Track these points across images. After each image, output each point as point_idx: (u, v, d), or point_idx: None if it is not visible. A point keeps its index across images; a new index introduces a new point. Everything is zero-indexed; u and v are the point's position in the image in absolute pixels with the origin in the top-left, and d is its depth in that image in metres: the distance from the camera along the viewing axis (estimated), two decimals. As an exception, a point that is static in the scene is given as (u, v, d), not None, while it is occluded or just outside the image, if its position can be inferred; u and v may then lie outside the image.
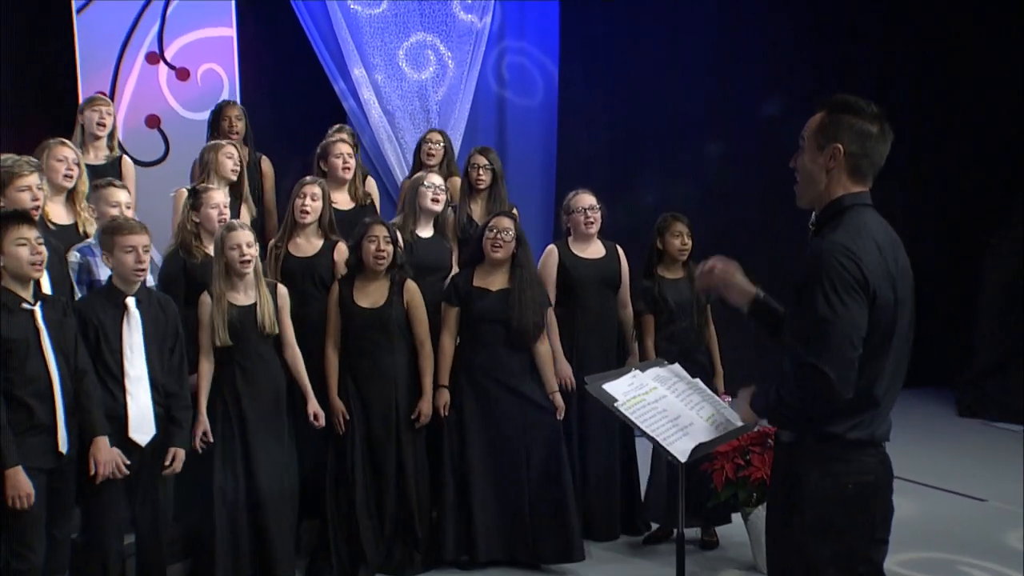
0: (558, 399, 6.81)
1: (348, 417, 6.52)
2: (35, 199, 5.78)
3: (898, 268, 3.53)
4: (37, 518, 5.03)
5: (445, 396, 6.67)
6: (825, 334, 3.37)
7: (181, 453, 5.76)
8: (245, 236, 6.09)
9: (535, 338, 6.78)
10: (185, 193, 7.04)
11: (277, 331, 6.23)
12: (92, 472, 5.23)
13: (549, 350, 6.87)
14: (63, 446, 5.09)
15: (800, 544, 3.52)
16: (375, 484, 6.61)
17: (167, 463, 5.72)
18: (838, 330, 3.36)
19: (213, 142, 7.49)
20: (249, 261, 6.09)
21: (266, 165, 8.15)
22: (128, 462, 5.42)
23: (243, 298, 6.14)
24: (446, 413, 6.67)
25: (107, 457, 5.25)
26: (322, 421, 6.44)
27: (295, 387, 6.44)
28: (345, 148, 7.55)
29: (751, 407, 3.86)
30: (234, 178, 7.27)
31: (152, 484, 5.69)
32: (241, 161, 7.42)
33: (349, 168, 7.50)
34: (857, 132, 3.53)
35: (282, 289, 6.40)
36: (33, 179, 5.84)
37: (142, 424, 5.54)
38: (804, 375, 3.42)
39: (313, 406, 6.40)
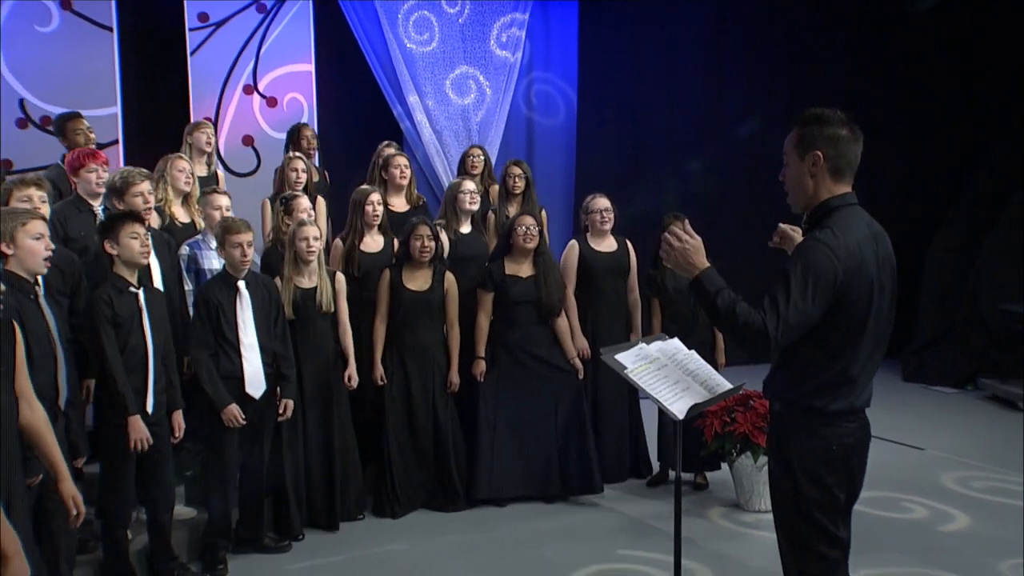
0: (577, 363, 6.90)
1: (385, 381, 6.58)
2: (146, 202, 5.85)
3: (879, 259, 3.43)
4: (130, 462, 5.16)
5: (482, 366, 6.74)
6: (787, 311, 3.25)
7: (291, 403, 5.95)
8: (313, 231, 6.20)
9: (559, 312, 6.87)
10: (269, 203, 7.23)
11: (333, 310, 6.33)
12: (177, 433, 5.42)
13: (567, 324, 6.94)
14: (150, 407, 5.17)
15: (796, 497, 3.46)
16: (413, 437, 6.68)
17: (281, 411, 5.93)
18: (796, 314, 3.25)
19: (288, 156, 7.57)
20: (314, 251, 6.19)
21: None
22: (244, 414, 5.63)
23: (307, 282, 6.22)
24: (482, 380, 6.74)
25: (180, 422, 5.43)
26: (355, 384, 6.48)
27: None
28: (403, 160, 7.52)
29: (700, 275, 3.47)
30: (299, 189, 7.16)
31: (260, 431, 5.85)
32: (308, 171, 7.45)
33: (405, 177, 7.48)
34: (829, 137, 3.40)
35: (340, 276, 6.46)
36: (145, 186, 5.92)
37: (255, 381, 5.72)
38: (754, 326, 3.29)
39: (350, 370, 6.46)
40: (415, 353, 6.67)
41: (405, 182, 7.50)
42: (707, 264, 3.50)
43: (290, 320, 6.14)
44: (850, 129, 3.45)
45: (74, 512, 3.84)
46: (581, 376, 6.93)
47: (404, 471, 6.65)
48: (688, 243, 3.52)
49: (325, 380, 6.35)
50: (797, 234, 3.81)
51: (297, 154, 7.59)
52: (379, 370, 6.59)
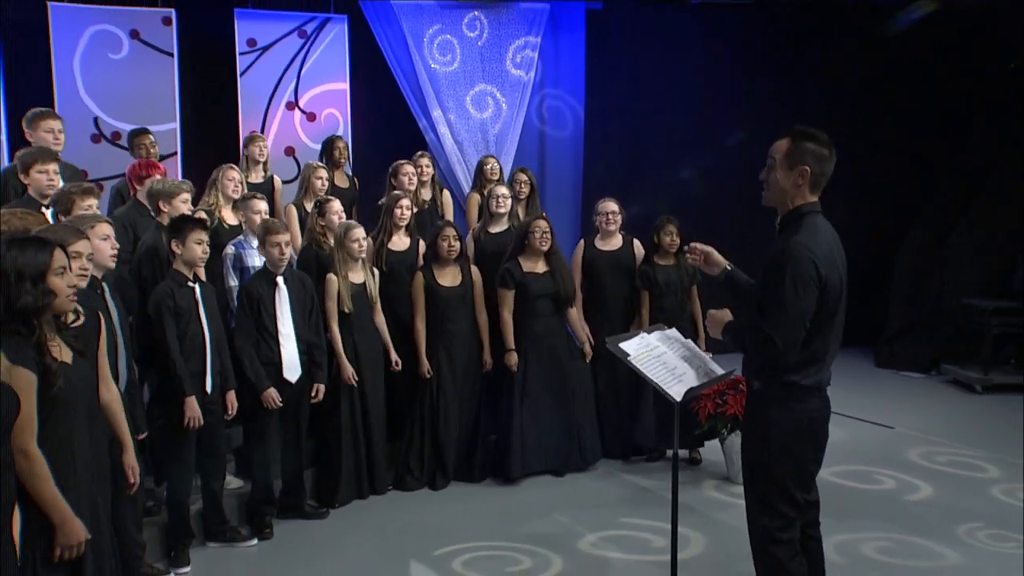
0: (587, 348, 6.97)
1: (432, 373, 6.65)
2: (187, 205, 5.94)
3: (840, 260, 3.57)
4: (191, 436, 5.26)
5: (514, 357, 6.77)
6: (781, 314, 3.41)
7: (323, 388, 6.03)
8: (362, 232, 6.29)
9: (574, 301, 6.94)
10: (294, 209, 7.29)
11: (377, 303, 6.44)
12: (231, 411, 5.53)
13: (577, 313, 7.03)
14: (208, 387, 5.30)
15: (767, 462, 3.61)
16: (453, 417, 6.74)
17: (313, 395, 5.98)
18: (791, 314, 3.41)
19: (308, 164, 7.60)
20: (364, 250, 6.31)
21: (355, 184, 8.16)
22: (282, 396, 5.73)
23: (357, 278, 6.32)
24: (516, 369, 6.77)
25: (234, 400, 5.54)
26: (399, 367, 6.57)
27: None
28: (410, 168, 7.56)
29: (722, 334, 3.84)
30: (320, 195, 7.16)
31: (296, 411, 5.92)
32: (330, 180, 7.47)
33: (413, 183, 7.52)
34: (816, 156, 3.53)
35: (375, 271, 6.55)
36: (187, 195, 6.00)
37: (291, 367, 5.80)
38: (760, 339, 3.48)
39: (393, 356, 6.57)
40: (457, 343, 6.75)
41: (412, 187, 7.54)
42: (729, 318, 3.87)
43: (348, 313, 6.21)
44: (830, 150, 3.59)
45: (132, 480, 4.14)
46: (588, 359, 7.00)
47: (447, 447, 6.71)
48: (712, 317, 3.94)
49: (377, 365, 6.44)
50: (711, 251, 4.09)
51: (320, 163, 7.62)
52: (425, 364, 6.65)
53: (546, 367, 6.84)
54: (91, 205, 5.10)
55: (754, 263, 3.92)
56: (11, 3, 8.35)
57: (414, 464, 6.69)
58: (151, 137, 7.44)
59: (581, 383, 6.96)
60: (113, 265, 4.68)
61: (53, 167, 5.69)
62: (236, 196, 6.73)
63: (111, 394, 3.97)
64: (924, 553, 5.48)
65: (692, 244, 4.11)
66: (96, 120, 8.60)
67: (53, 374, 3.11)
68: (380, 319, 6.54)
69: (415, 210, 7.48)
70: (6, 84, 8.23)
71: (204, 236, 5.30)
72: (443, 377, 6.70)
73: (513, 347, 6.80)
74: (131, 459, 4.12)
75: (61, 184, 5.94)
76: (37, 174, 5.60)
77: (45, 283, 3.14)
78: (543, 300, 6.82)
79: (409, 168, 7.58)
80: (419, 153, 8.13)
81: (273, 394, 5.69)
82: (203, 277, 5.46)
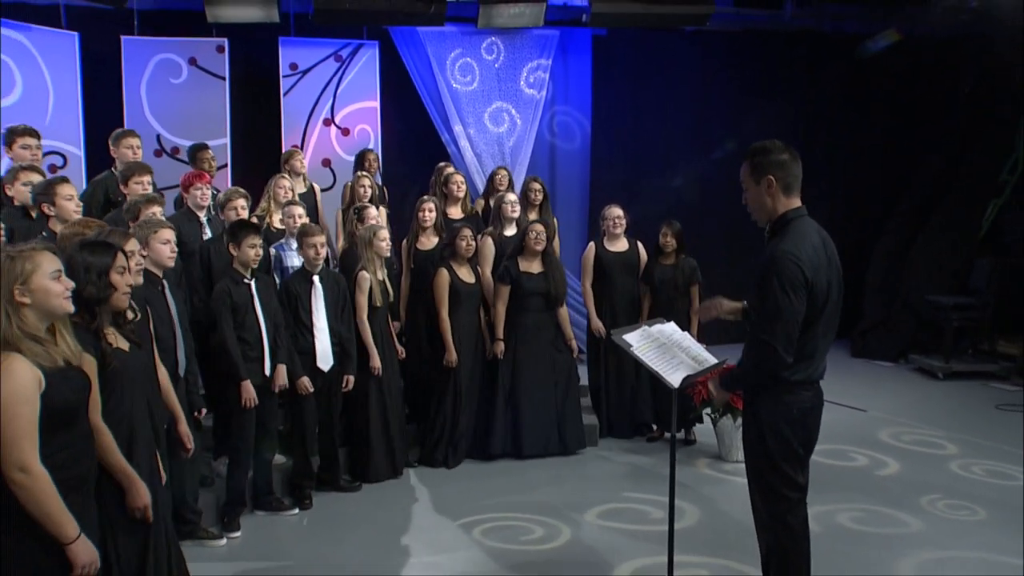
0: (573, 344, 6.93)
1: (453, 364, 6.58)
2: (239, 215, 6.07)
3: (827, 258, 3.47)
4: (252, 414, 5.33)
5: (500, 346, 6.76)
6: (776, 320, 3.33)
7: (352, 378, 6.04)
8: (387, 234, 6.31)
9: (563, 302, 6.89)
10: (342, 213, 7.31)
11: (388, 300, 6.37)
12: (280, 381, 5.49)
13: (567, 312, 6.96)
14: (267, 371, 5.37)
15: (764, 450, 3.53)
16: (468, 400, 6.71)
17: (344, 385, 6.01)
18: (785, 318, 3.33)
19: (357, 175, 7.62)
20: (388, 249, 6.29)
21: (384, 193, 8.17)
22: (316, 383, 5.77)
23: (381, 276, 6.25)
24: (501, 357, 6.77)
25: (282, 380, 5.48)
26: (403, 356, 6.55)
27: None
28: (459, 177, 7.56)
29: (720, 386, 3.80)
30: (366, 201, 7.14)
31: (330, 397, 5.96)
32: (372, 187, 7.48)
33: (461, 190, 7.51)
34: (775, 163, 3.46)
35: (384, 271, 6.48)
36: (241, 202, 6.13)
37: (324, 357, 5.84)
38: (759, 346, 3.39)
39: (398, 346, 6.55)
40: (469, 334, 6.73)
41: (461, 195, 7.56)
42: (719, 383, 3.82)
43: (379, 307, 6.17)
44: (790, 153, 3.52)
45: (188, 446, 4.18)
46: (575, 355, 6.98)
47: (461, 429, 6.69)
48: (714, 393, 3.91)
49: (392, 355, 6.43)
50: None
51: (365, 174, 7.67)
52: (454, 354, 6.59)
53: (534, 358, 6.80)
54: (155, 212, 5.20)
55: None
56: (92, 39, 8.63)
57: (441, 444, 6.67)
58: (210, 152, 7.52)
59: (566, 376, 6.90)
60: (171, 265, 4.75)
61: (147, 179, 5.86)
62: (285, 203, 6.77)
63: (160, 373, 3.94)
64: (891, 521, 5.55)
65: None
66: (158, 137, 8.75)
67: (108, 356, 3.24)
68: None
69: (462, 215, 7.50)
70: (86, 107, 8.43)
71: (258, 240, 5.35)
72: (462, 365, 6.67)
73: (501, 337, 6.79)
74: (184, 428, 4.13)
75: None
76: (135, 184, 5.78)
77: (107, 278, 3.29)
78: (535, 297, 6.78)
79: (459, 177, 7.61)
80: (443, 163, 8.14)
81: (306, 382, 5.70)
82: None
